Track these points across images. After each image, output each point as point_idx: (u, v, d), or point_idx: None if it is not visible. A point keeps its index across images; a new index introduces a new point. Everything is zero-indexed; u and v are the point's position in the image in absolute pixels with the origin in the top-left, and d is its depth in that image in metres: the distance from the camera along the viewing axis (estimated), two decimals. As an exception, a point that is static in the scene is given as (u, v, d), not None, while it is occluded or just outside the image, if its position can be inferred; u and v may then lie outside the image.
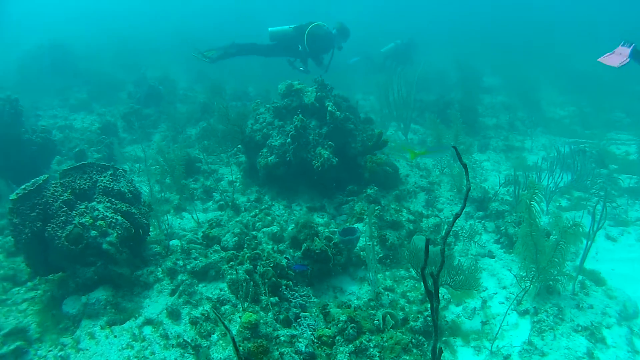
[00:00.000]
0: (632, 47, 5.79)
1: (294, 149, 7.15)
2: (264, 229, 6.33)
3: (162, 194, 7.59)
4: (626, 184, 8.36)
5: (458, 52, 18.36)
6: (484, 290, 5.44)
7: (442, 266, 3.07)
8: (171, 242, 6.07)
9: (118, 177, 5.88)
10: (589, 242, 5.21)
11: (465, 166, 2.93)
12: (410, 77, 10.40)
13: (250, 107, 8.70)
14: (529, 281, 5.10)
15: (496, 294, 5.42)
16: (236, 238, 5.86)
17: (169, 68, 17.18)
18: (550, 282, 5.18)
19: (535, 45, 22.37)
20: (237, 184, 7.95)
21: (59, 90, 14.49)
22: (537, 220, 4.95)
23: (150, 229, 6.07)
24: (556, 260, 4.94)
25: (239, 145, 8.34)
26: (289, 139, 7.20)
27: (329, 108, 7.34)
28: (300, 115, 7.29)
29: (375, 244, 5.90)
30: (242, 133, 7.89)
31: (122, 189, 5.72)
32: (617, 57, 5.89)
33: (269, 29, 9.72)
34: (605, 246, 6.60)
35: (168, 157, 7.79)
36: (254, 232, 6.30)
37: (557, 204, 7.70)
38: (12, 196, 4.91)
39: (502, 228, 6.58)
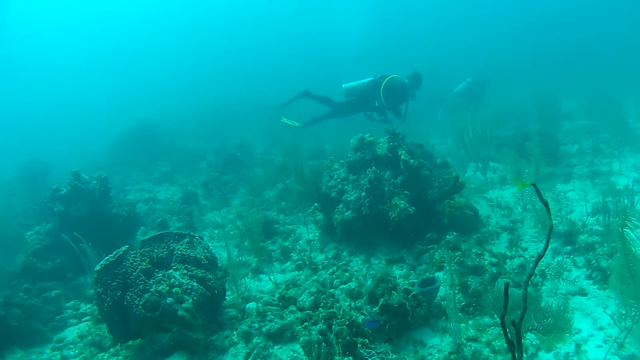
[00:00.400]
0: None
1: (369, 202, 7.01)
2: (342, 286, 6.15)
3: (241, 258, 7.61)
4: None
5: (530, 82, 17.68)
6: (577, 333, 4.87)
7: (524, 313, 2.79)
8: (248, 305, 6.04)
9: (194, 244, 5.99)
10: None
11: (546, 204, 2.69)
12: (484, 115, 10.05)
13: (325, 164, 8.72)
14: (630, 320, 4.54)
15: (592, 336, 4.82)
16: (312, 297, 5.72)
17: (246, 134, 17.77)
18: (659, 320, 4.60)
19: (610, 60, 21.33)
20: (315, 242, 7.89)
21: (145, 165, 15.28)
22: (633, 249, 4.46)
23: (228, 293, 6.11)
24: (662, 292, 4.40)
25: (315, 204, 8.31)
26: (363, 193, 7.08)
27: (402, 157, 7.20)
28: (373, 167, 7.17)
29: (456, 291, 5.59)
30: (317, 191, 7.87)
31: (198, 256, 5.81)
32: None
33: (343, 85, 9.75)
34: None
35: (246, 221, 7.88)
36: (332, 290, 6.13)
37: None
38: (97, 267, 5.13)
39: (594, 262, 6.00)
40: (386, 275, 5.38)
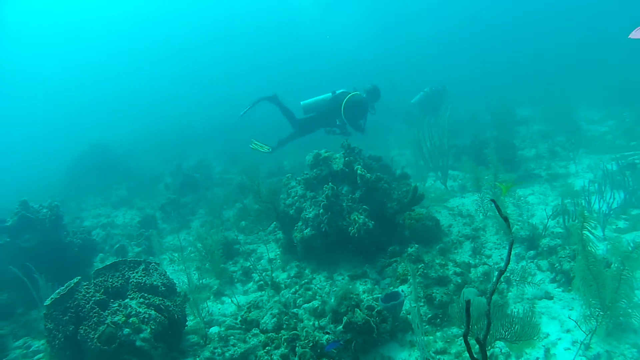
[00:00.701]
0: None
1: (327, 219, 6.91)
2: (305, 305, 6.05)
3: (202, 281, 7.45)
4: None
5: (487, 89, 17.93)
6: (545, 337, 4.85)
7: (488, 330, 2.74)
8: (211, 330, 5.89)
9: (150, 272, 5.81)
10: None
11: (506, 219, 2.65)
12: (442, 124, 10.08)
13: (282, 181, 8.61)
14: (594, 320, 4.57)
15: (560, 339, 4.81)
16: (275, 319, 5.58)
17: (204, 154, 17.52)
18: (621, 318, 4.63)
19: (565, 65, 22.00)
20: (276, 261, 7.75)
21: (101, 189, 14.89)
22: (592, 250, 4.50)
23: (190, 318, 5.98)
24: (623, 292, 4.43)
25: (275, 222, 8.18)
26: (321, 210, 6.99)
27: (359, 171, 7.15)
28: (330, 183, 7.09)
29: (421, 304, 5.58)
30: (275, 210, 7.75)
31: (155, 283, 5.63)
32: None
33: (302, 102, 9.66)
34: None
35: (205, 243, 7.71)
36: (295, 310, 6.01)
37: (615, 227, 7.15)
38: (47, 302, 4.90)
39: (557, 265, 6.03)
40: (348, 292, 5.29)
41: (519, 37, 40.61)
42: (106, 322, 4.83)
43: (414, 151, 10.80)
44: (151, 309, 5.21)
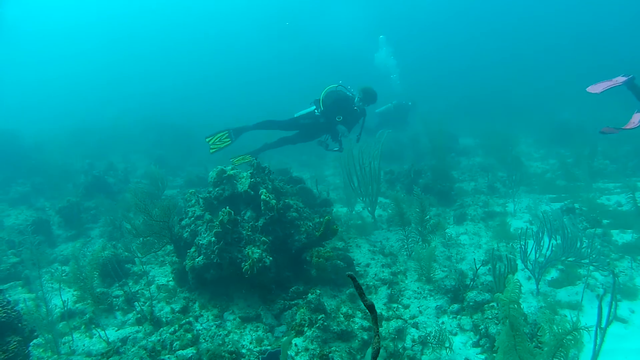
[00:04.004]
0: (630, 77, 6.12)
1: (218, 249, 5.86)
2: (180, 352, 5.04)
3: (77, 305, 6.38)
4: (622, 239, 7.40)
5: (431, 113, 17.56)
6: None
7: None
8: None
9: (-16, 303, 4.68)
10: (598, 341, 4.03)
11: (371, 308, 1.74)
12: (375, 149, 9.26)
13: (185, 197, 7.61)
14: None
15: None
16: (133, 372, 4.60)
17: (133, 154, 16.28)
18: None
19: (512, 98, 22.25)
20: (166, 289, 6.69)
21: (3, 182, 13.35)
22: (521, 326, 3.70)
23: (47, 355, 5.14)
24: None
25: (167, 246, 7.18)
26: (213, 238, 5.97)
27: (262, 196, 6.17)
28: (227, 208, 6.09)
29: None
30: (169, 230, 6.70)
31: (-19, 321, 4.49)
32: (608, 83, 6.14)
33: (295, 114, 9.06)
34: (614, 330, 5.14)
35: (92, 259, 6.68)
36: (167, 357, 5.00)
37: (550, 278, 6.53)
38: None
39: (482, 327, 5.28)
40: (218, 353, 4.36)
41: (477, 68, 41.07)
42: None
43: (344, 173, 9.97)
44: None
